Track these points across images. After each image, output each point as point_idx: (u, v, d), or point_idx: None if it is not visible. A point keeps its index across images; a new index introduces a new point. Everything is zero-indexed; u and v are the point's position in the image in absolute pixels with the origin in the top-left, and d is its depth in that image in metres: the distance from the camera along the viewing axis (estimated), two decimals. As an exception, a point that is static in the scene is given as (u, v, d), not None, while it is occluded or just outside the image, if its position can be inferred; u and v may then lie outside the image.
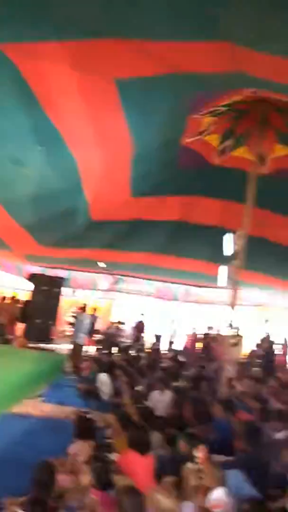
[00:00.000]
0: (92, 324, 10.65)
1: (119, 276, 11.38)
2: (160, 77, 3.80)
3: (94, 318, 11.27)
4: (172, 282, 11.72)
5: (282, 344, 11.82)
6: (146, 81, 3.85)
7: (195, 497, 3.14)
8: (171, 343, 12.20)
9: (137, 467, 3.17)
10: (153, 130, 4.74)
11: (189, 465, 3.30)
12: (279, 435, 4.00)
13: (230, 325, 6.29)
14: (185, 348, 11.54)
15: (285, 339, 12.12)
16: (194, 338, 12.10)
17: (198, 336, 12.09)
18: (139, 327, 12.37)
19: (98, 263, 8.66)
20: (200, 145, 5.69)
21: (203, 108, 4.69)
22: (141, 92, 4.03)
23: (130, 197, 6.40)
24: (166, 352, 10.54)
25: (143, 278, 11.38)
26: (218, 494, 3.02)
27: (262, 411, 4.42)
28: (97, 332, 11.03)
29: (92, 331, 10.35)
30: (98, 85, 3.95)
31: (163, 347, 11.43)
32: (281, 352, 11.53)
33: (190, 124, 5.03)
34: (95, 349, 9.21)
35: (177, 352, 9.99)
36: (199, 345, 11.61)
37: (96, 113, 4.31)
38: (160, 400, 5.15)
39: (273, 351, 10.72)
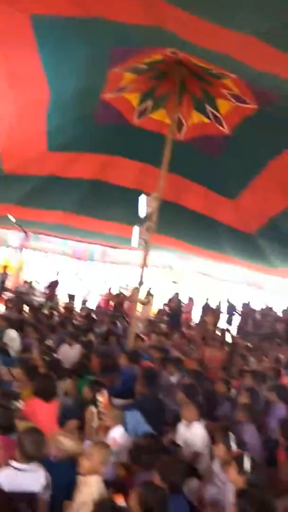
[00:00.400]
0: (2, 282, 10.26)
1: (33, 234, 10.96)
2: (79, 20, 3.59)
3: (4, 275, 10.84)
4: (88, 243, 11.68)
5: (187, 303, 12.85)
6: (64, 22, 3.60)
7: (96, 436, 3.41)
8: (84, 301, 12.41)
9: (42, 413, 3.30)
10: (71, 78, 4.51)
11: (92, 408, 3.54)
12: (173, 378, 4.47)
13: (141, 285, 6.58)
14: (98, 306, 11.84)
15: (191, 298, 13.18)
16: (107, 297, 12.45)
17: (111, 295, 12.46)
18: (53, 286, 12.27)
19: (9, 216, 8.17)
20: (120, 102, 5.60)
21: (124, 63, 4.58)
22: (58, 33, 3.77)
23: (46, 150, 6.09)
24: (79, 310, 10.70)
25: (58, 237, 11.13)
26: (116, 432, 3.33)
27: (162, 360, 4.85)
28: (7, 290, 10.65)
29: (1, 288, 9.98)
30: (10, 18, 3.59)
31: (77, 306, 11.57)
32: (187, 310, 12.55)
33: (110, 78, 4.89)
34: (5, 307, 8.93)
35: (89, 310, 10.22)
36: (112, 303, 11.99)
37: (7, 50, 3.93)
38: (69, 353, 5.31)
39: (180, 310, 11.59)
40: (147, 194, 5.81)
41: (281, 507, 3.01)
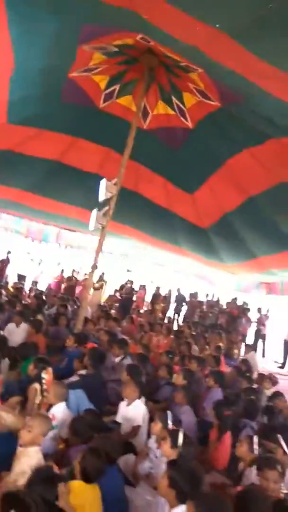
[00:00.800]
0: None
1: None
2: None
3: None
4: (44, 223, 11.42)
5: (139, 291, 13.08)
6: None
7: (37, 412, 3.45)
8: (35, 283, 12.20)
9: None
10: (39, 50, 4.36)
11: (36, 385, 3.58)
12: (118, 359, 4.61)
13: (95, 270, 6.60)
14: (49, 288, 11.70)
15: (143, 286, 13.44)
16: (60, 280, 12.33)
17: (63, 278, 12.35)
18: (3, 265, 11.91)
19: None
20: (87, 83, 5.51)
21: (94, 40, 4.52)
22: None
23: (5, 122, 5.85)
24: (29, 291, 10.52)
25: (13, 215, 10.77)
26: (58, 408, 3.40)
27: (108, 341, 4.96)
28: None
29: None
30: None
31: (27, 286, 11.35)
32: (138, 298, 12.79)
33: (79, 56, 4.80)
34: None
35: (40, 291, 10.08)
36: (63, 286, 11.91)
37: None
38: (15, 332, 5.26)
39: (131, 297, 11.79)
40: (108, 180, 5.82)
41: (207, 481, 3.28)
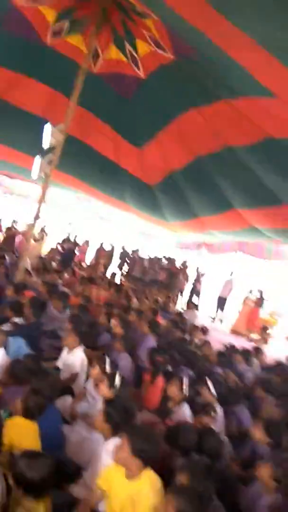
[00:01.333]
0: None
1: None
2: None
3: None
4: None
5: (82, 245, 13.02)
6: None
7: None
8: None
9: None
10: None
11: (-27, 333, 3.54)
12: (57, 311, 4.68)
13: (36, 221, 6.40)
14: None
15: (87, 241, 13.37)
16: (-2, 230, 11.80)
17: (1, 227, 11.83)
18: None
19: None
20: (33, 14, 4.99)
21: None
22: None
23: None
24: None
25: None
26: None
27: (48, 292, 4.98)
28: None
29: None
30: None
31: None
32: (81, 252, 12.75)
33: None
34: None
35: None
36: (2, 236, 11.43)
37: None
38: None
39: (73, 250, 11.71)
40: (53, 125, 5.52)
41: (140, 418, 3.60)
